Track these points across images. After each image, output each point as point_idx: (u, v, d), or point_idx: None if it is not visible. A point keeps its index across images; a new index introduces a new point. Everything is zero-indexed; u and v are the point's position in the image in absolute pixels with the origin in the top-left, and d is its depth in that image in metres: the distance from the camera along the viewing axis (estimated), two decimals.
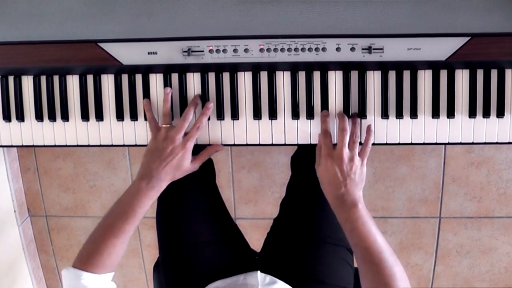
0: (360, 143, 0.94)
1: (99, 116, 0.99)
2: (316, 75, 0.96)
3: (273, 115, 0.96)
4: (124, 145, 1.00)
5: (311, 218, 1.05)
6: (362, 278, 0.86)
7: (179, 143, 0.92)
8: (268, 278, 0.98)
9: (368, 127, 0.95)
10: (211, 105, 0.96)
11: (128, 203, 0.90)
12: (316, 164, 0.95)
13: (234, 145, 0.99)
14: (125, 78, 0.99)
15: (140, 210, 0.90)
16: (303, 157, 1.16)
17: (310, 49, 0.92)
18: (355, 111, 0.96)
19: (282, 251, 1.05)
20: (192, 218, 1.05)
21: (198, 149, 0.97)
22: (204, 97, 0.97)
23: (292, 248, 1.04)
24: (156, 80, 0.98)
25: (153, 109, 0.98)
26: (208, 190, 1.11)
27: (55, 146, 1.02)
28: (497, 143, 0.96)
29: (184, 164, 0.93)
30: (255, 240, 1.18)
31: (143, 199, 0.90)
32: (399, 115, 0.95)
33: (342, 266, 1.03)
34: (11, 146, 1.03)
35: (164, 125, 0.94)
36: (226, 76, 0.97)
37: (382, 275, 0.82)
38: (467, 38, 0.89)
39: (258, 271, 0.98)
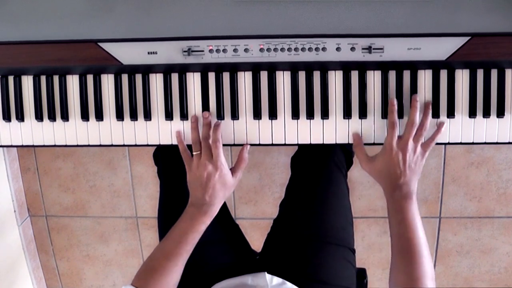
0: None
1: (99, 116, 0.99)
2: (316, 75, 0.96)
3: (273, 115, 0.96)
4: (124, 145, 1.00)
5: (311, 218, 1.05)
6: (392, 269, 0.87)
7: (211, 166, 0.93)
8: (275, 279, 0.98)
9: (440, 125, 0.94)
10: (219, 122, 0.96)
11: (182, 228, 0.93)
12: (361, 161, 0.95)
13: (234, 145, 0.99)
14: (125, 78, 0.99)
15: (192, 235, 0.92)
16: (304, 157, 1.16)
17: (310, 49, 0.92)
18: (355, 111, 0.96)
19: (284, 251, 1.05)
20: None
21: None
22: (204, 97, 0.97)
23: (294, 249, 1.04)
24: (156, 80, 0.98)
25: (152, 108, 0.98)
26: None
27: (55, 146, 1.02)
28: (497, 143, 0.96)
29: (226, 180, 0.94)
30: (255, 240, 1.18)
31: (195, 224, 0.93)
32: (399, 115, 0.95)
33: (344, 266, 1.03)
34: (11, 146, 1.03)
35: (194, 153, 0.95)
36: (226, 76, 0.97)
37: (415, 269, 0.84)
38: (467, 38, 0.89)
39: (266, 272, 0.98)
